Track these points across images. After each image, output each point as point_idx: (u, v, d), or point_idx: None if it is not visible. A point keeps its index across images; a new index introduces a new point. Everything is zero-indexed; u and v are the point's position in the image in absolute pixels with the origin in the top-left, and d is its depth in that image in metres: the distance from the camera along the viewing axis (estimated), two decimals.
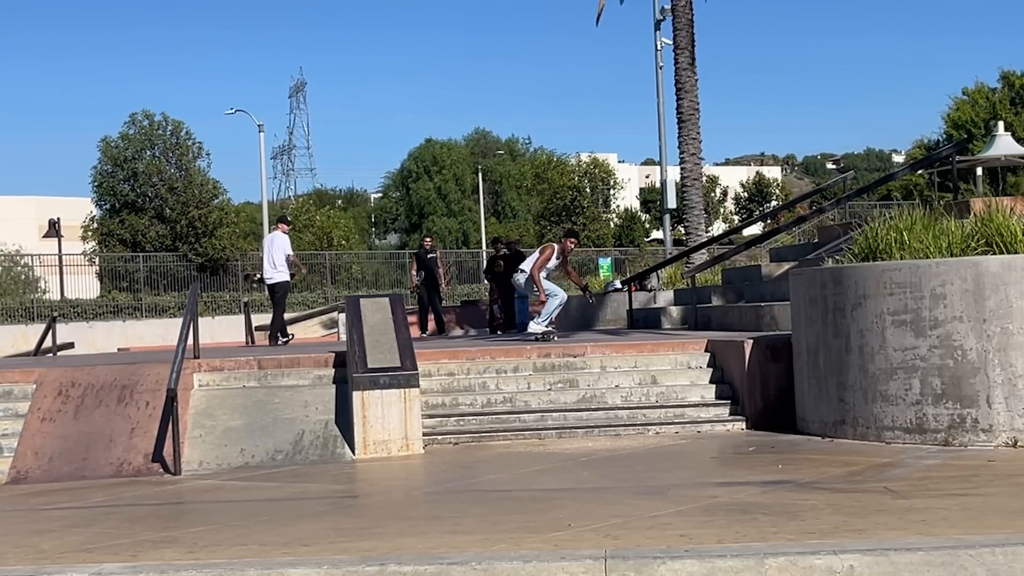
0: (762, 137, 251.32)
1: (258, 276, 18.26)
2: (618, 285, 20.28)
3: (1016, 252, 9.38)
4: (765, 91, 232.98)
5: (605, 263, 39.26)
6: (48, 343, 20.05)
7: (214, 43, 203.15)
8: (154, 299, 39.49)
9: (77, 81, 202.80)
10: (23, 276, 43.69)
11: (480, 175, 76.34)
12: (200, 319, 12.99)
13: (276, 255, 16.99)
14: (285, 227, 17.44)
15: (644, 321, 17.80)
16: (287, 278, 17.19)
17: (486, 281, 22.67)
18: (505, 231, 64.35)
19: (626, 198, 78.92)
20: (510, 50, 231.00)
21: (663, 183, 34.92)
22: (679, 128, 28.62)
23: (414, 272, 21.05)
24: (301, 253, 49.83)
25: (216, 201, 43.99)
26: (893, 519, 6.18)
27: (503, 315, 20.76)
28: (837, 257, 11.07)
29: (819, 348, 9.89)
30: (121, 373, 10.96)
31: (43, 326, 22.78)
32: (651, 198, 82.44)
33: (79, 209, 46.67)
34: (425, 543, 6.07)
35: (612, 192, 69.15)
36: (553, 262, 14.47)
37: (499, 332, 20.27)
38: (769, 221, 37.81)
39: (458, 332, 24.50)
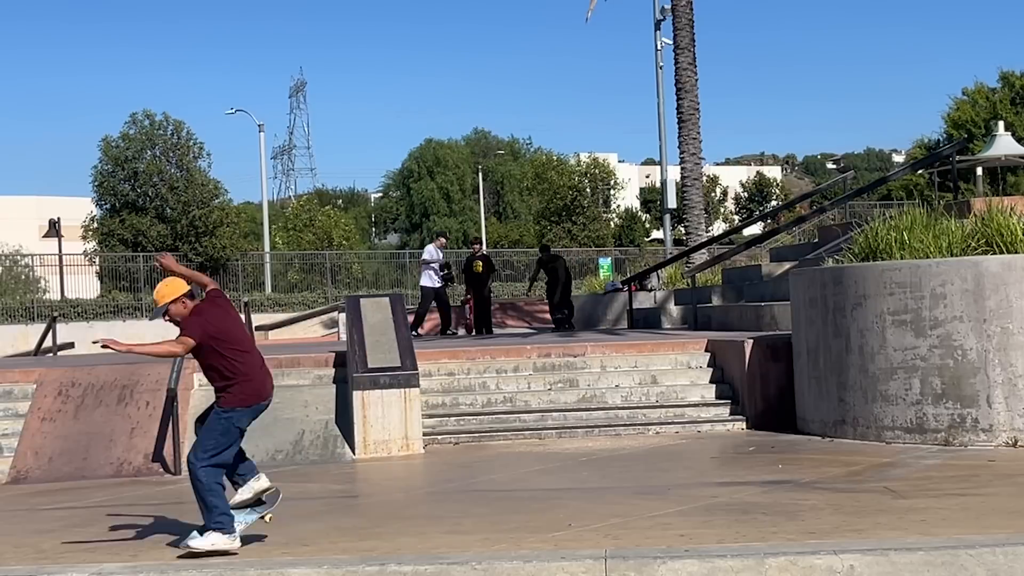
0: (762, 137, 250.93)
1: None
2: (618, 285, 20.29)
3: (1016, 252, 9.38)
4: (765, 90, 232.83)
5: (605, 263, 39.25)
6: (48, 343, 20.05)
7: (213, 44, 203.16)
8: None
9: (77, 79, 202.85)
10: (23, 276, 43.68)
11: (480, 175, 76.38)
12: None
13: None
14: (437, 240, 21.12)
15: (644, 321, 17.80)
16: (443, 283, 20.21)
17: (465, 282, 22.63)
18: (506, 231, 64.39)
19: (626, 198, 78.85)
20: (509, 51, 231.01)
21: (663, 183, 34.89)
22: (679, 128, 28.60)
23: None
24: (302, 253, 49.99)
25: (217, 201, 43.95)
26: (893, 519, 6.18)
27: (472, 316, 20.70)
28: (837, 257, 11.07)
29: (819, 348, 9.88)
30: (121, 373, 10.96)
31: (43, 326, 22.79)
32: (651, 198, 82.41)
33: (79, 209, 46.63)
34: (425, 543, 6.07)
35: (612, 192, 69.10)
36: None
37: (460, 333, 20.31)
38: (769, 221, 37.85)
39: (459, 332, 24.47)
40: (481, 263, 20.55)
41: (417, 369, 10.40)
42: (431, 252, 20.62)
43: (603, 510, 6.83)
